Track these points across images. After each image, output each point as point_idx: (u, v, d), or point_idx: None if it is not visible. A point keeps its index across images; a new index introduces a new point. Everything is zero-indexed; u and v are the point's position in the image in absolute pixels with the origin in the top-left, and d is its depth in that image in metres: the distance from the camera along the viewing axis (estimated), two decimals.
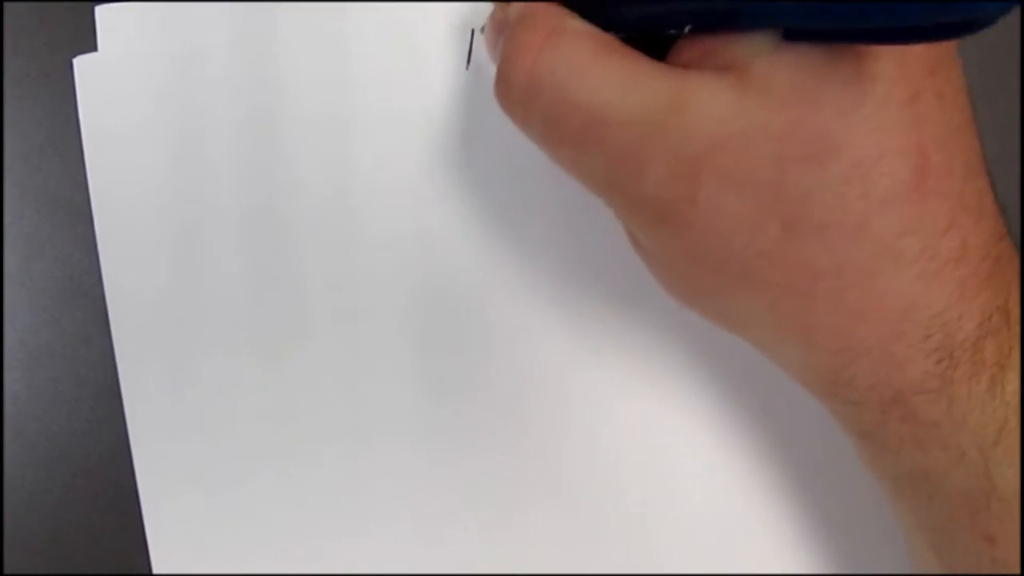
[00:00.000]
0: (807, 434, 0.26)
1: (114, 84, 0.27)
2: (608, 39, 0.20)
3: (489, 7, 0.27)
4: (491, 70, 0.27)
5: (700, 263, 0.20)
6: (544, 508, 0.27)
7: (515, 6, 0.22)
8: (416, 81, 0.27)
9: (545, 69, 0.20)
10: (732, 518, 0.27)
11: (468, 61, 0.27)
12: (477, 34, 0.27)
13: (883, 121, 0.19)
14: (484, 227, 0.27)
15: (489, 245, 0.27)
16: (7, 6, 0.27)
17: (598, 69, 0.20)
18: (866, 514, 0.26)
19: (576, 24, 0.20)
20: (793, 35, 0.18)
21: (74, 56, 0.27)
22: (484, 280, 0.27)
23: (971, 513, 0.20)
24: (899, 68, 0.19)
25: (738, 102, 0.19)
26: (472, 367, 0.27)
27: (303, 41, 0.27)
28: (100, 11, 0.27)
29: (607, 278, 0.27)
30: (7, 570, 0.26)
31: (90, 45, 0.27)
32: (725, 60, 0.19)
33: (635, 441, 0.27)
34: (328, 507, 0.27)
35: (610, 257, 0.27)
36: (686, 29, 0.20)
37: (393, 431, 0.27)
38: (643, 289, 0.27)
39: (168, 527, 0.26)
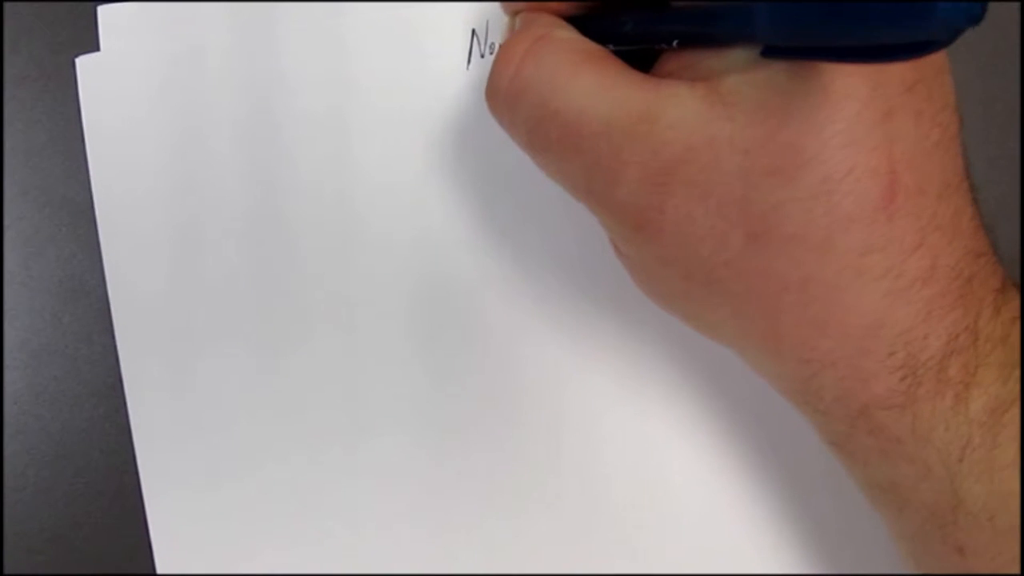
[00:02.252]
0: (801, 437, 0.26)
1: (116, 83, 0.27)
2: (591, 49, 0.21)
3: (489, 6, 0.27)
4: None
5: (671, 270, 0.21)
6: (542, 506, 0.27)
7: (520, 16, 0.23)
8: (416, 81, 0.27)
9: (527, 76, 0.21)
10: (726, 517, 0.27)
11: (468, 61, 0.27)
12: (477, 34, 0.27)
13: (853, 138, 0.19)
14: (483, 226, 0.27)
15: (488, 244, 0.27)
16: (8, 6, 0.27)
17: (576, 78, 0.20)
18: (861, 516, 0.26)
19: (562, 33, 0.21)
20: (771, 52, 0.19)
21: (76, 55, 0.27)
22: (483, 279, 0.27)
23: (940, 526, 0.20)
24: (873, 86, 0.19)
25: (707, 113, 0.19)
26: (471, 365, 0.27)
27: (303, 40, 0.27)
28: (102, 10, 0.27)
29: (606, 280, 0.27)
30: (8, 570, 0.26)
31: (92, 44, 0.27)
32: (700, 73, 0.20)
33: (632, 440, 0.27)
34: (330, 505, 0.27)
35: (610, 259, 0.27)
36: (674, 44, 0.20)
37: (394, 429, 0.27)
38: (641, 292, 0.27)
39: (171, 525, 0.26)
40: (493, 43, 0.27)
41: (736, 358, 0.23)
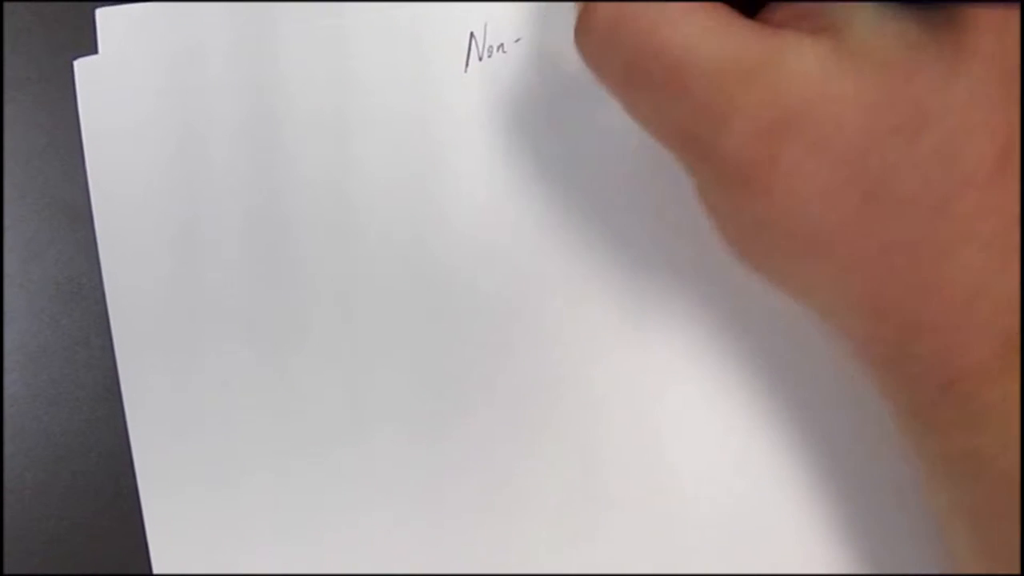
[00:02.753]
0: (839, 433, 0.26)
1: (114, 86, 0.27)
2: None
3: (488, 8, 0.27)
4: (491, 70, 0.27)
5: (774, 228, 0.20)
6: (540, 505, 0.27)
7: None
8: (416, 81, 0.27)
9: (630, 11, 0.19)
10: (752, 517, 0.27)
11: (466, 64, 0.27)
12: (475, 37, 0.27)
13: (976, 98, 0.18)
14: (483, 225, 0.27)
15: (488, 243, 0.27)
16: (7, 7, 0.27)
17: (688, 16, 0.19)
18: (892, 516, 0.26)
19: None
20: None
21: (74, 58, 0.27)
22: (483, 278, 0.27)
23: (1014, 496, 0.20)
24: (1000, 47, 0.18)
25: (833, 66, 0.18)
26: (471, 364, 0.27)
27: (303, 41, 0.27)
28: (100, 13, 0.27)
29: (609, 278, 0.27)
30: (7, 570, 0.26)
31: (90, 47, 0.27)
32: (820, 24, 0.19)
33: (637, 435, 0.27)
34: (330, 506, 0.27)
35: (614, 256, 0.27)
36: None
37: (394, 428, 0.27)
38: (646, 291, 0.27)
39: (168, 527, 0.26)
40: (492, 46, 0.27)
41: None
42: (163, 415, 0.27)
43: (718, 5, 0.20)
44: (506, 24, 0.27)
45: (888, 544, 0.26)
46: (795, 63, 0.18)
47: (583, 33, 0.21)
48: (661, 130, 0.21)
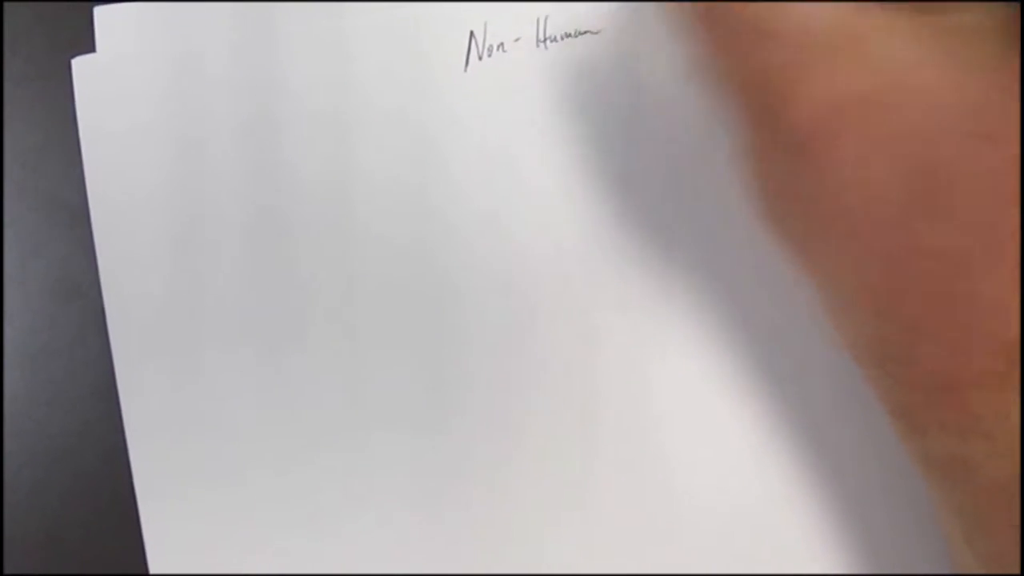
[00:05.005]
0: (844, 436, 0.26)
1: (113, 85, 0.27)
2: None
3: (488, 7, 0.27)
4: (491, 69, 0.27)
5: (815, 202, 0.20)
6: (538, 506, 0.27)
7: None
8: (416, 81, 0.27)
9: None
10: (752, 516, 0.27)
11: (466, 63, 0.27)
12: (475, 36, 0.27)
13: None
14: (482, 225, 0.27)
15: (487, 243, 0.27)
16: (6, 6, 0.27)
17: None
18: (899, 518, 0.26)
19: None
20: None
21: (72, 56, 0.27)
22: (483, 279, 0.27)
23: (1004, 502, 0.20)
24: None
25: (926, 53, 0.18)
26: (471, 364, 0.27)
27: (303, 41, 0.27)
28: (99, 11, 0.27)
29: (609, 277, 0.27)
30: (6, 570, 0.26)
31: (88, 46, 0.27)
32: (926, 6, 0.18)
33: (637, 446, 0.27)
34: (328, 507, 0.27)
35: (615, 255, 0.27)
36: None
37: (393, 430, 0.27)
38: (647, 289, 0.27)
39: (165, 527, 0.26)
40: (492, 45, 0.27)
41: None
42: (160, 415, 0.27)
43: None
44: (506, 23, 0.27)
45: (886, 535, 0.26)
46: (887, 39, 0.18)
47: None
48: (735, 78, 0.20)
